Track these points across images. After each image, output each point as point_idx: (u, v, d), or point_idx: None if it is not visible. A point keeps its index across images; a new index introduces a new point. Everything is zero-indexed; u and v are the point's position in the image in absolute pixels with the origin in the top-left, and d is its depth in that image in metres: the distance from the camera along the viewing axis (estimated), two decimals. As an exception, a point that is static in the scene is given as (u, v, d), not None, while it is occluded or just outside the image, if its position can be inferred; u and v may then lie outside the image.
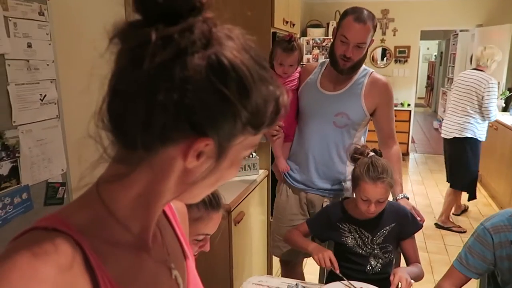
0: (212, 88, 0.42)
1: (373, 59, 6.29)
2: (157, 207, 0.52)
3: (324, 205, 1.85)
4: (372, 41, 1.71)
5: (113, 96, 0.44)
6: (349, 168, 1.87)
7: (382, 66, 6.30)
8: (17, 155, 1.32)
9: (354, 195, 1.63)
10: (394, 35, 6.15)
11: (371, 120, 1.87)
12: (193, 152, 0.45)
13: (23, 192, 1.36)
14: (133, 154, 0.45)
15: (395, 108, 6.34)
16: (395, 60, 6.24)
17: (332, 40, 1.78)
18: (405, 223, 1.65)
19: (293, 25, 2.65)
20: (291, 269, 2.05)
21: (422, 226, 1.67)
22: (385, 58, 6.29)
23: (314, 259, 1.55)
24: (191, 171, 0.48)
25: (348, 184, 1.88)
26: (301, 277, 2.07)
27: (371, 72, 1.81)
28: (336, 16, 5.93)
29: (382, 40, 6.21)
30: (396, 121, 6.47)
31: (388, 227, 1.64)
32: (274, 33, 2.32)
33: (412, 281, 1.45)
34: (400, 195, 1.75)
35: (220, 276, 1.98)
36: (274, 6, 2.24)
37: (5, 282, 0.38)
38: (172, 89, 0.41)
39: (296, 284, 1.46)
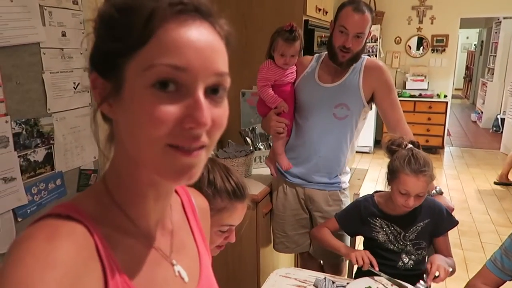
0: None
1: (408, 49, 6.06)
2: (140, 186, 0.51)
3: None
4: (370, 33, 1.69)
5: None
6: (347, 160, 1.86)
7: (417, 56, 6.07)
8: (51, 142, 1.35)
9: (388, 188, 1.57)
10: (432, 23, 5.89)
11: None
12: (94, 90, 0.48)
13: (57, 178, 1.40)
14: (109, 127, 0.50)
15: (431, 100, 6.06)
16: (432, 50, 5.99)
17: (330, 32, 1.73)
18: (440, 220, 1.58)
19: (326, 12, 2.58)
20: (308, 260, 2.04)
21: (457, 223, 1.60)
22: (421, 48, 6.05)
23: (350, 258, 1.52)
24: (117, 122, 0.48)
25: (344, 177, 1.87)
26: (319, 266, 2.06)
27: (366, 58, 1.78)
28: (371, 4, 5.75)
29: (419, 29, 5.97)
30: (431, 112, 6.19)
31: (422, 223, 1.58)
32: (306, 21, 2.26)
33: (450, 268, 1.41)
34: (433, 191, 1.68)
35: (247, 267, 1.98)
36: (306, -7, 2.18)
37: (21, 266, 0.39)
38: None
39: (325, 278, 1.43)
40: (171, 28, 0.43)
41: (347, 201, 1.89)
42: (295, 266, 2.35)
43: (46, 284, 0.38)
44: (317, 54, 1.89)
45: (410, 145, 1.54)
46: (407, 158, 1.47)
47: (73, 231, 0.44)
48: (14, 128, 1.24)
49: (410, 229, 1.58)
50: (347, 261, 1.85)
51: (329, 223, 1.72)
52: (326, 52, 1.79)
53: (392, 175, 1.52)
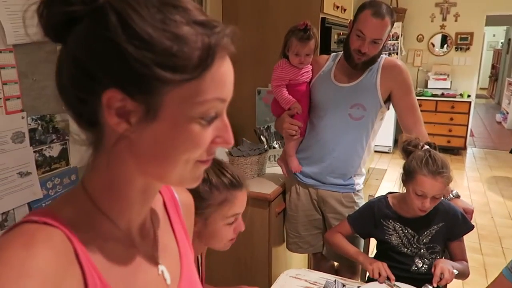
0: (93, 34, 0.41)
1: (431, 47, 5.92)
2: (132, 194, 0.51)
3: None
4: (389, 36, 1.64)
5: (58, 75, 0.47)
6: (362, 162, 1.82)
7: (440, 54, 5.91)
8: (66, 137, 1.38)
9: (403, 190, 1.53)
10: (456, 20, 5.73)
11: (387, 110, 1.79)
12: (108, 109, 0.43)
13: (71, 173, 1.42)
14: (87, 133, 0.48)
15: (454, 99, 5.90)
16: (456, 48, 5.82)
17: (348, 32, 1.69)
18: (455, 224, 1.54)
19: (344, 10, 2.53)
20: (320, 260, 2.02)
21: (473, 228, 1.55)
22: (445, 46, 5.90)
23: (367, 269, 1.48)
24: (133, 139, 0.45)
25: (358, 179, 1.84)
26: (331, 266, 2.04)
27: (384, 58, 1.74)
28: (393, 1, 5.63)
29: (442, 26, 5.81)
30: (453, 113, 6.04)
31: (436, 227, 1.53)
32: (323, 19, 2.23)
33: (455, 270, 1.39)
34: (450, 195, 1.63)
35: (259, 267, 1.98)
36: (324, -10, 2.14)
37: None
38: (71, 53, 0.43)
39: (335, 281, 1.42)
40: (219, 62, 0.45)
41: (361, 202, 1.85)
42: (308, 266, 2.34)
43: None
44: (334, 53, 1.86)
45: (426, 146, 1.50)
46: (424, 159, 1.43)
47: (50, 238, 0.43)
48: (30, 124, 1.27)
49: (424, 232, 1.54)
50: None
51: (342, 226, 1.68)
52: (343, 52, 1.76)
53: (408, 176, 1.48)
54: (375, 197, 1.71)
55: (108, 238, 0.50)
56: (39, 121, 1.30)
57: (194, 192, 0.95)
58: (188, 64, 0.42)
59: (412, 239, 1.54)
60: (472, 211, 1.61)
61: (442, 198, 1.55)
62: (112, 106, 0.43)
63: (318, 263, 2.04)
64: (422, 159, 1.43)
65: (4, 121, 1.20)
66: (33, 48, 1.21)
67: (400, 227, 1.56)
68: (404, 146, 1.54)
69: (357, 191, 1.84)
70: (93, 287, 0.45)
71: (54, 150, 1.35)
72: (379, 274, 1.43)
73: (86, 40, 0.42)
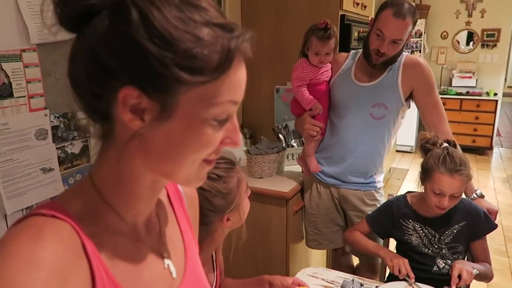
0: (114, 29, 0.41)
1: (456, 44, 5.77)
2: (140, 189, 0.51)
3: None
4: (410, 36, 1.61)
5: (70, 65, 0.47)
6: (383, 160, 1.81)
7: (466, 52, 5.75)
8: (87, 135, 1.41)
9: (422, 189, 1.50)
10: (482, 16, 5.56)
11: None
12: (123, 106, 0.43)
13: (92, 170, 1.46)
14: (98, 126, 0.48)
15: (479, 98, 5.72)
16: (482, 45, 5.65)
17: (368, 30, 1.66)
18: (477, 223, 1.49)
19: (365, 7, 2.50)
20: (340, 256, 2.01)
21: (496, 227, 1.50)
22: (470, 43, 5.74)
23: (388, 265, 1.46)
24: (145, 136, 0.45)
25: (379, 176, 1.82)
26: (350, 263, 2.02)
27: (405, 55, 1.70)
28: (416, -2, 5.52)
29: (468, 23, 5.65)
30: (479, 111, 5.85)
31: (457, 226, 1.49)
32: (342, 16, 2.21)
33: (475, 271, 1.35)
34: (473, 194, 1.58)
35: (276, 265, 1.97)
36: (344, -14, 2.12)
37: (5, 267, 0.39)
38: (88, 47, 0.43)
39: (353, 280, 1.40)
40: (237, 66, 0.45)
41: (382, 200, 1.83)
42: (326, 264, 2.32)
43: (32, 285, 0.38)
44: (353, 51, 1.83)
45: (445, 144, 1.47)
46: (442, 156, 1.40)
47: (58, 230, 0.44)
48: (52, 121, 1.30)
49: (445, 232, 1.50)
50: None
51: (361, 226, 1.66)
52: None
53: (426, 174, 1.45)
54: (393, 197, 1.68)
55: (115, 232, 0.51)
56: (61, 119, 1.33)
57: (221, 197, 1.04)
58: (206, 67, 0.42)
59: (432, 239, 1.51)
60: (497, 211, 1.56)
61: (464, 197, 1.51)
62: (128, 103, 0.43)
63: (338, 259, 2.03)
64: (440, 157, 1.41)
65: (28, 119, 1.24)
66: (56, 47, 1.25)
67: (420, 226, 1.53)
68: (422, 144, 1.51)
69: (378, 188, 1.83)
70: (100, 280, 0.46)
71: (75, 147, 1.39)
72: (399, 271, 1.40)
73: (106, 35, 0.41)
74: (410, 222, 1.54)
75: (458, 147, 1.48)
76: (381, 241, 1.74)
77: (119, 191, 0.50)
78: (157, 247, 0.57)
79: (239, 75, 0.46)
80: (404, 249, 1.56)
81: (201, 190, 1.00)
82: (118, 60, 0.42)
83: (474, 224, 1.49)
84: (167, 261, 0.57)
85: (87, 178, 0.51)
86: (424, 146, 1.50)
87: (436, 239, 1.51)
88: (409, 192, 1.63)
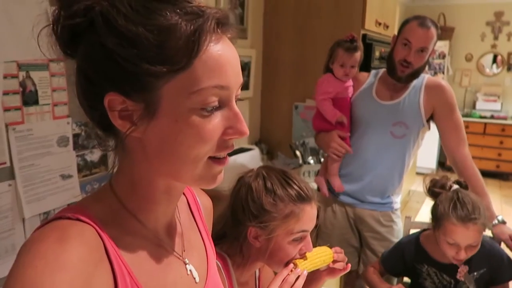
0: (89, 42, 0.43)
1: (481, 67, 5.67)
2: (155, 194, 0.51)
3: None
4: (433, 51, 1.62)
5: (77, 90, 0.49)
6: (402, 181, 1.77)
7: (491, 75, 5.65)
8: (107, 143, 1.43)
9: (435, 235, 1.38)
10: (509, 40, 5.47)
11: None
12: (111, 112, 0.44)
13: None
14: (110, 138, 0.50)
15: (505, 122, 5.55)
16: (508, 68, 5.55)
17: (391, 47, 1.68)
18: (499, 269, 1.38)
19: (387, 27, 2.50)
20: (354, 279, 1.95)
21: None
22: (494, 66, 5.63)
23: None
24: (143, 139, 0.46)
25: (396, 197, 1.78)
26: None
27: (427, 77, 1.71)
28: (440, 19, 5.48)
29: (493, 46, 5.56)
30: (504, 136, 5.66)
31: (476, 273, 1.38)
32: (364, 35, 2.21)
33: None
34: (495, 220, 1.53)
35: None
36: (366, 6, 2.13)
37: (31, 268, 0.39)
38: (77, 65, 0.46)
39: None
40: (211, 48, 0.43)
41: (399, 221, 1.79)
42: (339, 284, 2.26)
43: (57, 286, 0.39)
44: (374, 71, 1.83)
45: (455, 186, 1.36)
46: (452, 203, 1.28)
47: (82, 233, 0.44)
48: (74, 129, 1.34)
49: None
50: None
51: (376, 264, 1.57)
52: (384, 68, 1.74)
53: (437, 222, 1.33)
54: (406, 236, 1.60)
55: (136, 236, 0.51)
56: (83, 127, 1.36)
57: (258, 204, 0.92)
58: (175, 55, 0.42)
59: (448, 285, 1.40)
60: None
61: (487, 239, 1.40)
62: (114, 108, 0.44)
63: (351, 281, 1.97)
64: (450, 203, 1.28)
65: (52, 126, 1.28)
66: (81, 58, 1.29)
67: (434, 272, 1.42)
68: (430, 187, 1.40)
69: (395, 209, 1.79)
70: (123, 283, 0.46)
71: (94, 155, 1.41)
72: None
73: (85, 49, 0.44)
74: (424, 266, 1.44)
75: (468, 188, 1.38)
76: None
77: (136, 197, 0.51)
78: (179, 253, 0.57)
79: (217, 56, 0.44)
80: None
81: (246, 188, 0.95)
82: (96, 69, 0.43)
83: (496, 270, 1.38)
84: (189, 267, 0.58)
85: (107, 186, 0.52)
86: (432, 190, 1.39)
87: (452, 285, 1.40)
88: (424, 230, 1.52)
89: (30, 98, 1.21)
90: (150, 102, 0.43)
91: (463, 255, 1.28)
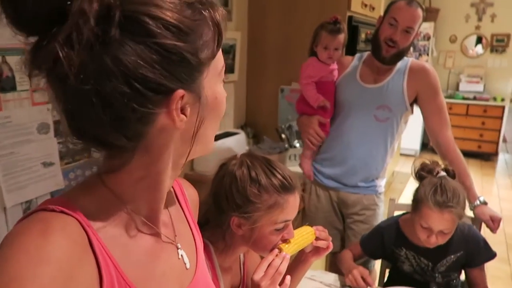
0: (142, 47, 0.41)
1: (464, 48, 5.72)
2: (164, 184, 0.52)
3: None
4: (418, 34, 1.63)
5: (69, 118, 0.44)
6: (386, 164, 1.79)
7: (474, 56, 5.71)
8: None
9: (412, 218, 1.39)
10: (492, 21, 5.51)
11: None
12: (176, 111, 0.45)
13: (93, 165, 1.45)
14: (125, 148, 0.46)
15: (486, 103, 5.65)
16: (491, 50, 5.61)
17: (376, 27, 1.67)
18: (475, 252, 1.40)
19: (373, 8, 2.48)
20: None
21: (495, 256, 1.41)
22: (479, 46, 5.69)
23: (346, 282, 1.40)
24: (187, 127, 0.48)
25: (380, 181, 1.80)
26: None
27: (411, 60, 1.72)
28: (425, 0, 5.47)
29: (477, 27, 5.60)
30: (485, 117, 5.78)
31: (453, 256, 1.40)
32: (350, 17, 2.19)
33: None
34: (477, 201, 1.56)
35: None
36: (351, -13, 2.10)
37: (14, 262, 0.39)
38: (111, 75, 0.40)
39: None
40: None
41: (382, 206, 1.82)
42: (325, 267, 2.31)
43: (39, 279, 0.38)
44: (358, 54, 1.82)
45: (443, 173, 1.36)
46: (433, 188, 1.28)
47: (66, 226, 0.44)
48: (54, 116, 1.30)
49: (440, 261, 1.42)
50: (375, 268, 1.78)
51: (355, 248, 1.58)
52: (369, 52, 1.74)
53: (416, 205, 1.34)
54: (384, 220, 1.61)
55: (126, 227, 0.51)
56: (64, 113, 1.33)
57: (242, 195, 0.91)
58: (211, 43, 0.47)
59: (426, 267, 1.43)
60: (500, 219, 1.54)
61: (463, 223, 1.41)
62: (177, 107, 0.45)
63: (336, 263, 2.01)
64: (431, 188, 1.29)
65: (31, 112, 1.24)
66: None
67: (412, 255, 1.44)
68: (418, 171, 1.42)
69: (379, 193, 1.81)
70: (108, 276, 0.46)
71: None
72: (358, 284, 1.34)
73: (128, 55, 0.40)
74: (402, 250, 1.46)
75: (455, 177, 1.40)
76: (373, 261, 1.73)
77: (140, 196, 0.51)
78: (171, 239, 0.58)
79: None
80: (396, 275, 1.52)
81: (230, 177, 0.94)
82: (156, 71, 0.42)
83: (472, 253, 1.41)
84: (180, 252, 0.59)
85: (97, 180, 0.50)
86: (420, 174, 1.40)
87: (429, 268, 1.43)
88: (404, 214, 1.53)
89: (7, 84, 1.17)
90: (201, 90, 0.47)
91: (434, 240, 1.30)
